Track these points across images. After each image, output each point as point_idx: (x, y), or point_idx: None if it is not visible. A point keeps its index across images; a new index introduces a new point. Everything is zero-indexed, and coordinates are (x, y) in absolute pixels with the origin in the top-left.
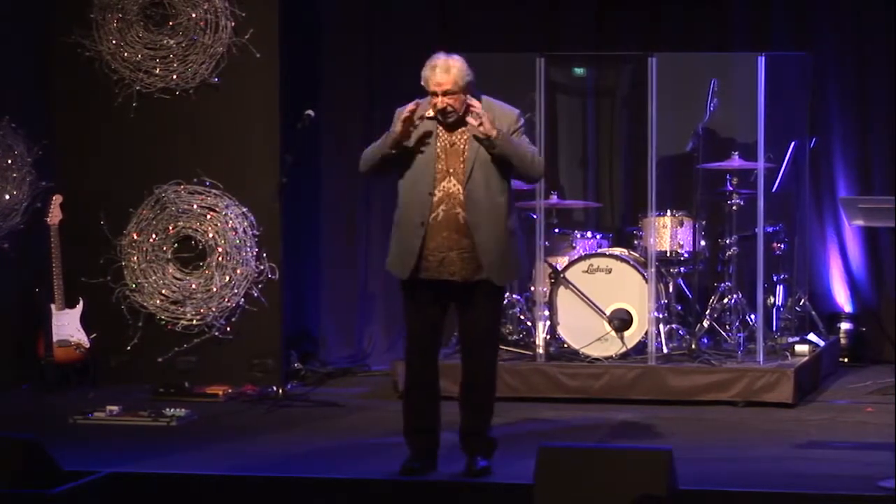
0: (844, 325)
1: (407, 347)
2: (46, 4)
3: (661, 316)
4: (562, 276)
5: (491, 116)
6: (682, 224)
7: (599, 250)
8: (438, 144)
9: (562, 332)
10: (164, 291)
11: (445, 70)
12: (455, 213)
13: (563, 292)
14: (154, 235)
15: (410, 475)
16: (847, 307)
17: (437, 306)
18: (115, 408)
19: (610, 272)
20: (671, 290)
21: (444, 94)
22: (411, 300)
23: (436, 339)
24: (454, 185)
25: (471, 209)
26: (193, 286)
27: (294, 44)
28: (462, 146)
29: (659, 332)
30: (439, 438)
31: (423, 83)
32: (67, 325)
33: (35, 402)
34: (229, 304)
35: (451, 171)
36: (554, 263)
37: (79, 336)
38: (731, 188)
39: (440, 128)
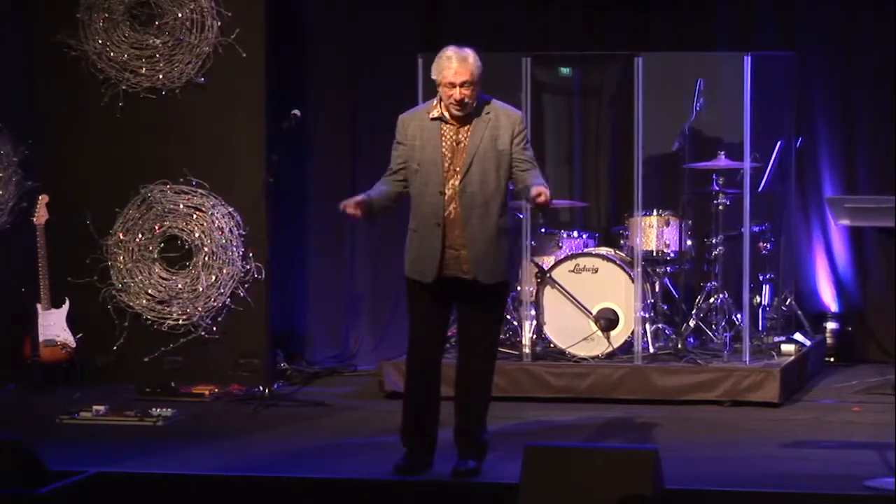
0: (830, 325)
1: (410, 348)
2: (32, 4)
3: (647, 315)
4: (548, 275)
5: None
6: (668, 223)
7: (586, 250)
8: (445, 144)
9: (548, 331)
10: (150, 291)
11: (462, 60)
12: (460, 209)
13: (549, 292)
14: (140, 235)
15: (403, 474)
16: (833, 306)
17: (443, 307)
18: (101, 407)
19: (596, 272)
20: (657, 289)
21: (462, 84)
22: (421, 301)
23: (440, 340)
24: (459, 181)
25: (464, 204)
26: (180, 286)
27: (280, 43)
28: (466, 144)
29: (645, 331)
30: (436, 439)
31: (434, 77)
32: (53, 325)
33: (21, 401)
34: (215, 303)
35: (457, 169)
36: (540, 263)
37: (65, 336)
38: (717, 188)
39: (444, 126)
